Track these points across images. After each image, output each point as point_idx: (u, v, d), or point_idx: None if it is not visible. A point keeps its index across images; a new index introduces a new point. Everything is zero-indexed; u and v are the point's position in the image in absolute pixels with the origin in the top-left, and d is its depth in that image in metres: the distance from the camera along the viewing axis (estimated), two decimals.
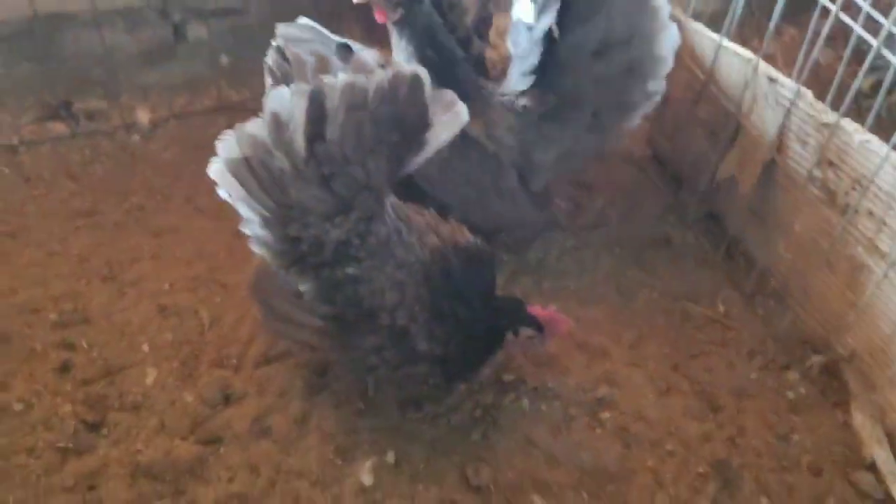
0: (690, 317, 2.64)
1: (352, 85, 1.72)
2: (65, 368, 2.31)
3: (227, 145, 1.75)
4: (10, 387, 2.25)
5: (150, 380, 2.31)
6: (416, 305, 1.96)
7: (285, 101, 1.71)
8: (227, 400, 2.28)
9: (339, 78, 1.72)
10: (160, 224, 2.80)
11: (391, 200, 1.97)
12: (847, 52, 2.20)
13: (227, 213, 2.87)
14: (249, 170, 1.75)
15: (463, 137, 2.17)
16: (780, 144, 2.48)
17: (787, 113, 2.39)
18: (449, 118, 1.83)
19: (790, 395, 2.41)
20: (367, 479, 2.12)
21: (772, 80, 2.45)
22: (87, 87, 3.19)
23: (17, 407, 2.20)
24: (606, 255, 2.83)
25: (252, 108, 1.77)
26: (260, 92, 1.80)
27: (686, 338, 2.57)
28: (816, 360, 2.44)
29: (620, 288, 2.71)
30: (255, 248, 1.93)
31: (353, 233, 1.86)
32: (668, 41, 2.43)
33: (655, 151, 3.25)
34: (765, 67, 2.49)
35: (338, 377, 2.36)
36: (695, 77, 2.84)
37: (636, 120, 2.58)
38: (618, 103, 2.53)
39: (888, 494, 2.15)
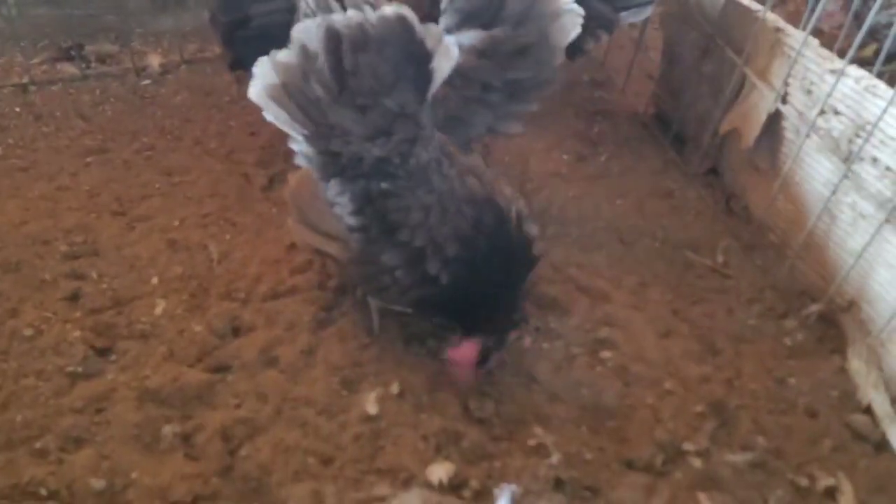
0: (691, 265, 2.67)
1: (351, 24, 1.81)
2: (74, 297, 2.34)
3: (264, 71, 1.85)
4: (20, 313, 2.28)
5: (158, 310, 2.34)
6: (438, 229, 2.00)
7: (311, 33, 1.81)
8: (236, 331, 2.32)
9: (346, 15, 1.82)
10: (170, 164, 2.84)
11: (438, 135, 2.06)
12: (848, 20, 2.25)
13: (237, 156, 2.95)
14: (288, 94, 1.86)
15: None
16: (784, 94, 2.51)
17: (794, 62, 2.42)
18: (443, 49, 1.88)
19: (788, 341, 2.44)
20: (371, 408, 2.16)
21: (779, 29, 2.48)
22: (99, 32, 3.22)
23: (27, 332, 2.24)
24: (608, 205, 2.87)
25: None
26: None
27: (686, 285, 2.60)
28: (814, 308, 2.47)
29: (622, 236, 2.75)
30: (300, 162, 2.04)
31: (395, 152, 1.94)
32: (562, 30, 2.34)
33: (659, 110, 3.28)
34: (772, 18, 2.52)
35: (344, 313, 2.40)
36: (701, 33, 2.87)
37: (531, 104, 2.47)
38: (506, 83, 2.43)
39: (884, 437, 2.18)
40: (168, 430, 2.03)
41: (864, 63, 2.51)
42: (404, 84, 1.88)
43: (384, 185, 1.98)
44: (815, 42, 2.37)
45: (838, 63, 2.28)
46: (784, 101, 2.52)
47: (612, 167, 3.08)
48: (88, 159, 2.80)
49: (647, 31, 3.34)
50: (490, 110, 2.46)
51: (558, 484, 2.02)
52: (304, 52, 1.83)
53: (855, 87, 2.23)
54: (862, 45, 2.23)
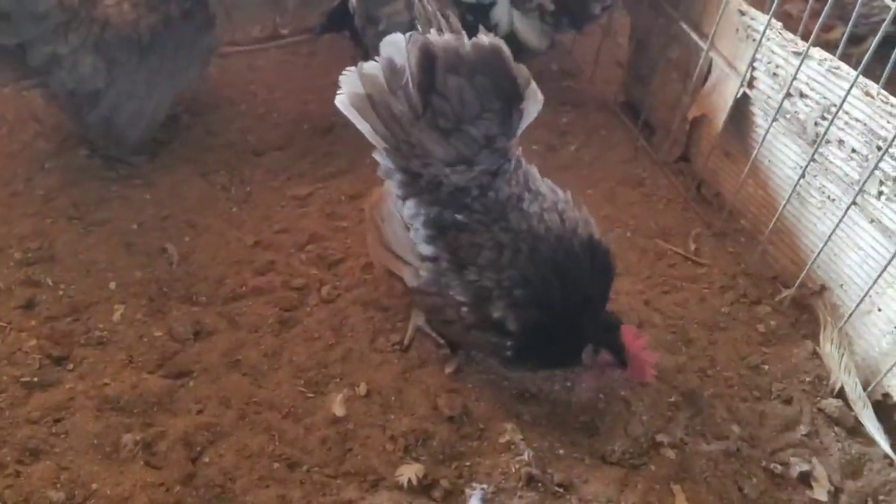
0: (662, 254, 2.64)
1: (447, 46, 1.81)
2: (29, 305, 2.28)
3: (350, 80, 1.88)
4: None
5: (117, 316, 2.28)
6: (507, 271, 1.94)
7: (399, 47, 1.81)
8: (197, 335, 2.27)
9: (443, 37, 1.82)
10: (129, 167, 2.76)
11: (529, 170, 2.05)
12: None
13: (198, 158, 2.88)
14: (372, 106, 1.87)
15: None
16: (751, 79, 2.48)
17: (758, 45, 2.39)
18: (532, 92, 1.89)
19: (761, 327, 2.42)
20: (338, 410, 2.11)
21: (742, 12, 2.45)
22: None
23: None
24: (578, 195, 2.80)
25: None
26: None
27: (658, 274, 2.57)
28: (786, 293, 2.46)
29: None
30: (381, 175, 2.04)
31: (475, 182, 1.93)
32: None
33: (629, 97, 3.24)
34: (736, 1, 2.48)
35: (309, 313, 2.35)
36: (668, 18, 2.84)
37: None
38: None
39: (857, 420, 2.17)
40: (128, 438, 1.98)
41: (833, 47, 2.49)
42: (490, 116, 1.86)
43: (459, 217, 1.96)
44: (778, 24, 2.34)
45: (802, 45, 2.25)
46: (751, 85, 2.49)
47: (582, 157, 3.04)
48: (44, 164, 2.73)
49: (614, 17, 3.30)
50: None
51: (530, 481, 1.99)
52: (391, 65, 1.84)
53: (819, 69, 2.21)
54: (829, 28, 2.21)
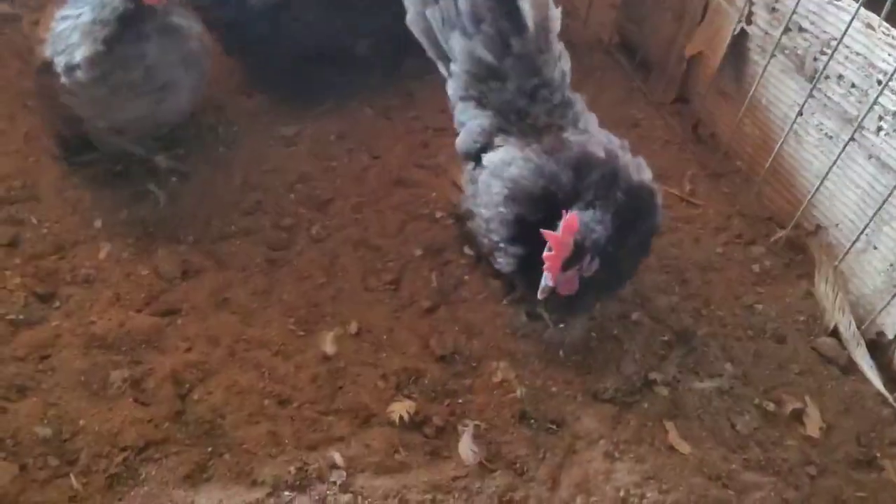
0: None
1: None
2: (13, 243, 2.23)
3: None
4: None
5: (103, 254, 2.24)
6: (515, 196, 1.94)
7: None
8: (185, 274, 2.23)
9: None
10: None
11: (584, 115, 2.10)
12: None
13: None
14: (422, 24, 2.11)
15: None
16: (749, 14, 2.42)
17: None
18: None
19: (755, 267, 2.40)
20: (329, 348, 2.09)
21: None
22: None
23: None
24: None
25: None
26: None
27: None
28: (781, 233, 2.43)
29: None
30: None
31: (512, 107, 2.02)
32: None
33: (623, 38, 3.18)
34: None
35: (300, 253, 2.32)
36: None
37: None
38: None
39: (850, 359, 2.17)
40: (116, 375, 1.96)
41: None
42: (496, 15, 1.97)
43: (497, 141, 2.01)
44: None
45: None
46: (749, 20, 2.44)
47: None
48: (27, 101, 2.65)
49: None
50: None
51: (523, 417, 1.98)
52: None
53: (819, 1, 2.15)
54: None
